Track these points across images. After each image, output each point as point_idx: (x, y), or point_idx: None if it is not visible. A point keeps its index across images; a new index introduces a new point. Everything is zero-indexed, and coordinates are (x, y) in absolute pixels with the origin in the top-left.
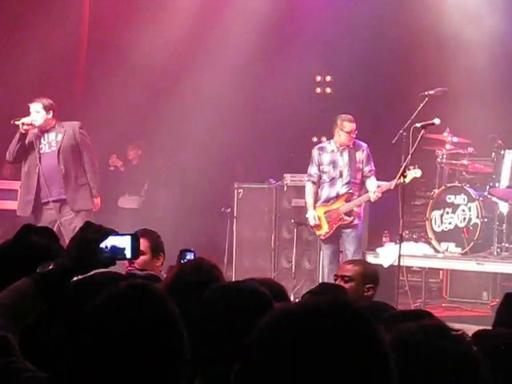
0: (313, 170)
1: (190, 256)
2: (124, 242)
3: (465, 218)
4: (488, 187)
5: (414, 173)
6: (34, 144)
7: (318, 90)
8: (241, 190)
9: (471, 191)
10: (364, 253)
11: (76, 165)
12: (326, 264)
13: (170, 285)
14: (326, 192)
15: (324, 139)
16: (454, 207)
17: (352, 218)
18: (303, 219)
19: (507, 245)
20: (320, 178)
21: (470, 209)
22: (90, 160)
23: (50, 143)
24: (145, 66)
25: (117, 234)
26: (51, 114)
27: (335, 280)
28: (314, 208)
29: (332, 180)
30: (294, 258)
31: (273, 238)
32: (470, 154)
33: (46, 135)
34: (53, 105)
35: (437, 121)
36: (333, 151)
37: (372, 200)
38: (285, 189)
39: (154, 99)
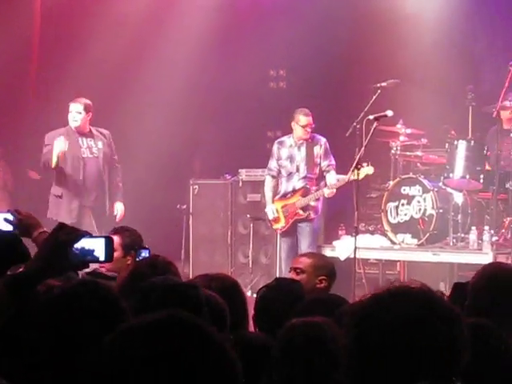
0: (272, 164)
1: (144, 253)
2: (97, 245)
3: (420, 209)
4: (442, 178)
5: (366, 170)
6: (76, 149)
7: (272, 84)
8: (196, 186)
9: (426, 182)
10: (321, 246)
11: (108, 173)
12: (283, 258)
13: (125, 283)
14: (283, 186)
15: (279, 133)
16: (409, 199)
17: (308, 212)
18: (259, 214)
19: (463, 235)
20: (279, 172)
21: (425, 200)
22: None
23: (91, 149)
24: (98, 62)
25: (90, 236)
26: (90, 115)
27: (289, 272)
28: (273, 202)
29: (289, 175)
30: (250, 253)
31: (229, 233)
32: (423, 145)
33: (83, 139)
34: (91, 106)
35: (389, 113)
36: (291, 146)
37: (326, 196)
38: (240, 184)
39: (107, 96)
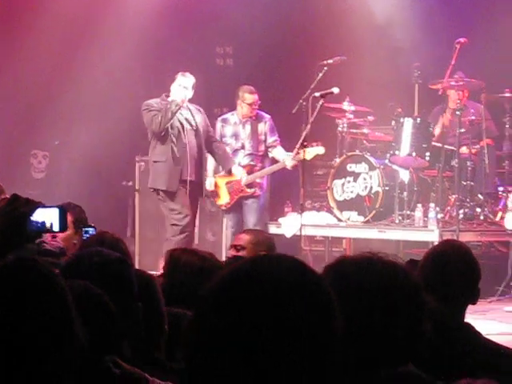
0: None
1: (91, 231)
2: (51, 215)
3: (366, 187)
4: (389, 155)
5: (316, 150)
6: (180, 119)
7: (219, 61)
8: (142, 163)
9: (372, 160)
10: (267, 223)
11: (203, 149)
12: (229, 235)
13: (71, 261)
14: None
15: (225, 110)
16: (356, 176)
17: (253, 189)
18: (206, 191)
19: (408, 212)
20: None
21: (371, 177)
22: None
23: (189, 121)
24: (39, 47)
25: (44, 206)
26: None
27: (230, 249)
28: (214, 176)
29: (234, 152)
30: (196, 230)
31: None
32: (370, 122)
33: (180, 110)
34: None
35: (335, 90)
36: (235, 123)
37: (290, 167)
38: None
39: (48, 76)
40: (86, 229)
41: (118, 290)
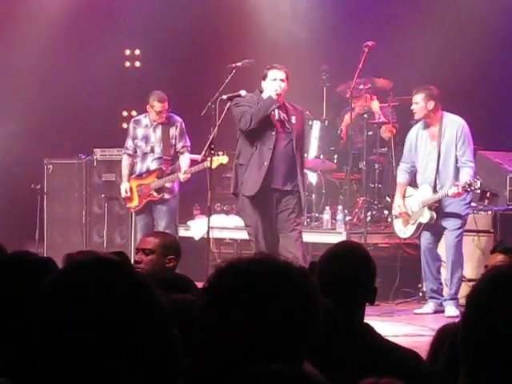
0: (129, 143)
1: None
2: None
3: None
4: None
5: (220, 159)
6: (274, 119)
7: (127, 63)
8: (50, 166)
9: None
10: (177, 226)
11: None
12: (139, 237)
13: None
14: (138, 166)
15: (134, 113)
16: None
17: (162, 194)
18: (114, 193)
19: (317, 214)
20: (135, 151)
21: None
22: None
23: (284, 123)
24: None
25: None
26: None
27: (136, 253)
28: (129, 181)
29: (144, 155)
30: (105, 233)
31: (84, 213)
32: None
33: (280, 111)
34: None
35: (243, 92)
36: (146, 126)
37: (182, 180)
38: (95, 164)
39: None
40: None
41: None
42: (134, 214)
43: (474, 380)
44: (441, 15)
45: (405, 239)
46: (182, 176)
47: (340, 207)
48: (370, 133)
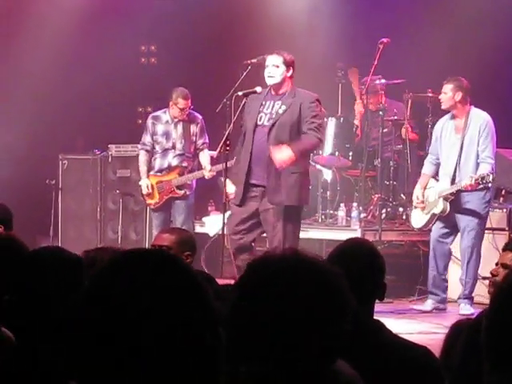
0: (146, 138)
1: None
2: None
3: None
4: (312, 155)
5: None
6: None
7: (143, 59)
8: (65, 162)
9: None
10: (193, 222)
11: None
12: (155, 233)
13: None
14: (158, 162)
15: (149, 109)
16: None
17: (184, 191)
18: (129, 189)
19: (332, 211)
20: (153, 147)
21: None
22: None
23: (272, 115)
24: None
25: None
26: (291, 72)
27: None
28: (148, 177)
29: (164, 151)
30: (120, 229)
31: (98, 209)
32: None
33: (269, 102)
34: (294, 62)
35: (258, 89)
36: (167, 122)
37: (207, 177)
38: (109, 160)
39: None
40: None
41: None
42: (151, 210)
43: (502, 375)
44: (454, 11)
45: (419, 233)
46: (207, 174)
47: (355, 204)
48: (385, 130)
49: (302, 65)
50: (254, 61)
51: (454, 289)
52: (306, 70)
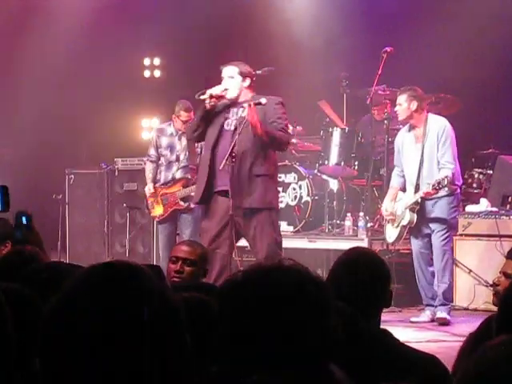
0: (151, 151)
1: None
2: None
3: (296, 197)
4: (318, 165)
5: None
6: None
7: (147, 73)
8: (72, 176)
9: (301, 169)
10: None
11: (255, 150)
12: (161, 247)
13: None
14: (163, 175)
15: (154, 122)
16: (285, 186)
17: (188, 203)
18: (136, 203)
19: (338, 221)
20: (159, 159)
21: (300, 187)
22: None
23: (237, 120)
24: None
25: None
26: (248, 82)
27: (173, 262)
28: (154, 188)
29: (169, 164)
30: (127, 243)
31: (106, 223)
32: (298, 132)
33: (234, 110)
34: (251, 72)
35: (263, 100)
36: (171, 134)
37: None
38: (116, 173)
39: None
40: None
41: None
42: (156, 222)
43: None
44: (460, 17)
45: (393, 244)
46: None
47: (361, 214)
48: (390, 139)
49: (308, 76)
50: (258, 72)
51: (462, 296)
52: (311, 81)
